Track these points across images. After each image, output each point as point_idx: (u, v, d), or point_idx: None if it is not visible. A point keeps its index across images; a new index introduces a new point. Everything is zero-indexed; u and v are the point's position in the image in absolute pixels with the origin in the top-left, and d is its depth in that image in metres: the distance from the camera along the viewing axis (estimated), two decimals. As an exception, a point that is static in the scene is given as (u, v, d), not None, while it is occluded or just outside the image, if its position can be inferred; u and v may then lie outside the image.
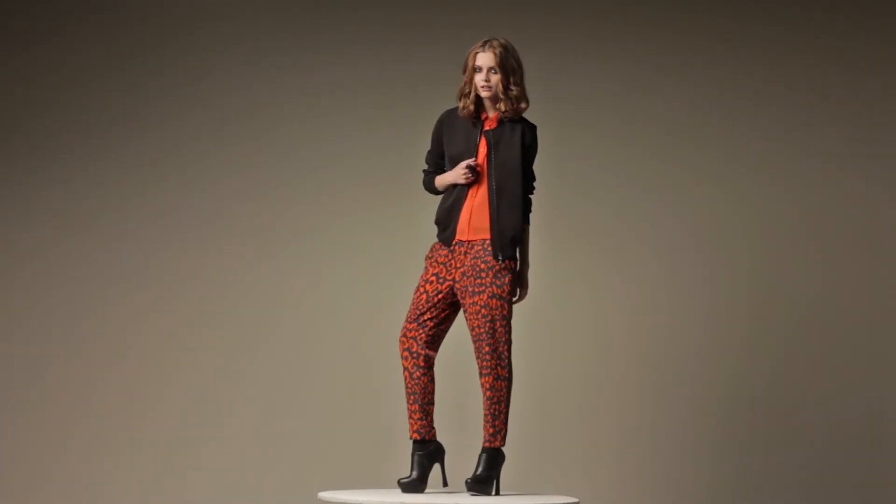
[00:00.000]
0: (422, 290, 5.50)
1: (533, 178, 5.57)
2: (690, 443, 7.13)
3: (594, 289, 7.27)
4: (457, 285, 5.47)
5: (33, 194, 7.54)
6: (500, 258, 5.41)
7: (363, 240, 7.35)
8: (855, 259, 7.18)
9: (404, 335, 5.51)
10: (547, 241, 7.26)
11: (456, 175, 5.48)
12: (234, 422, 7.34)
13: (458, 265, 5.48)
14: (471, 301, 5.42)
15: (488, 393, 5.44)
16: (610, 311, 7.25)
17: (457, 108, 5.54)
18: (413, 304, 5.51)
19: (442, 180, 5.57)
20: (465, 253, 5.48)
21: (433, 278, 5.50)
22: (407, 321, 5.51)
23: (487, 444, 5.49)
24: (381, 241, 7.34)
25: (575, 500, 5.38)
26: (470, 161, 5.44)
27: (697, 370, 7.17)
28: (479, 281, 5.41)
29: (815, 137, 7.23)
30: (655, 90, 7.28)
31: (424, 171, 5.68)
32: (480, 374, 5.46)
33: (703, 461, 7.12)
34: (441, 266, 5.50)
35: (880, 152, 7.19)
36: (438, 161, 5.62)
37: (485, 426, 5.48)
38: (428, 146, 5.68)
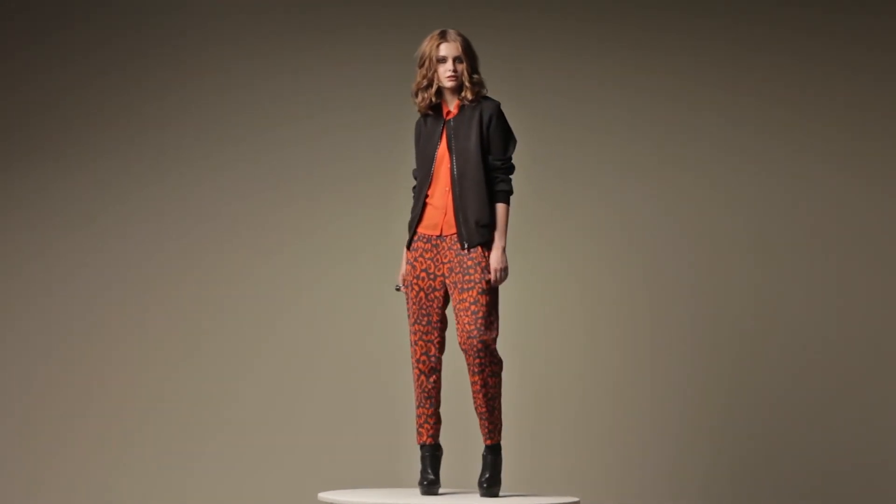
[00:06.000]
0: (416, 288, 5.43)
1: (505, 152, 5.44)
2: (690, 442, 7.13)
3: (593, 287, 7.27)
4: (447, 280, 5.41)
5: (33, 194, 7.54)
6: (466, 247, 5.35)
7: (364, 239, 7.35)
8: (852, 258, 7.17)
9: (420, 339, 5.43)
10: (543, 238, 7.27)
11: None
12: (235, 422, 7.34)
13: (445, 260, 5.41)
14: (459, 298, 5.36)
15: (483, 390, 5.41)
16: (609, 310, 7.25)
17: (425, 114, 5.49)
18: (415, 304, 5.43)
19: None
20: (449, 248, 5.40)
21: (423, 275, 5.42)
22: (418, 324, 5.42)
23: (490, 442, 5.47)
24: (381, 239, 7.33)
25: (575, 499, 5.38)
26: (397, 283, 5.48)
27: (696, 369, 7.17)
28: (467, 277, 5.35)
29: (811, 135, 7.23)
30: (649, 86, 7.28)
31: (414, 188, 5.55)
32: (471, 372, 5.40)
33: (702, 461, 7.12)
34: (429, 262, 5.42)
35: (879, 151, 7.19)
36: None
37: (482, 424, 5.45)
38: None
